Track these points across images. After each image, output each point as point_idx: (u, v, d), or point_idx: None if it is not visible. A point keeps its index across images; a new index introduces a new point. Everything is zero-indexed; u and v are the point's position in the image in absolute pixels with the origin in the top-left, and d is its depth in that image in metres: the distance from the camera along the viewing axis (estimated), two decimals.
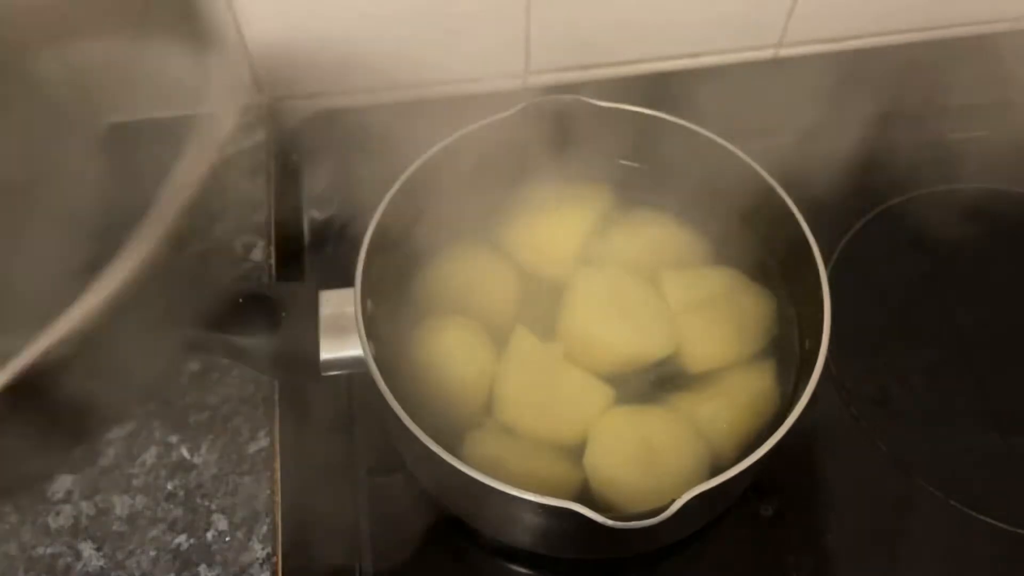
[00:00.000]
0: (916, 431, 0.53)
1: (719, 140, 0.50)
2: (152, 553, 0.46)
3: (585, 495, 0.44)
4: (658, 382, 0.47)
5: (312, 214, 0.63)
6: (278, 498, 0.48)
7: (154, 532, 0.47)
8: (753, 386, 0.47)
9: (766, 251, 0.50)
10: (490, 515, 0.46)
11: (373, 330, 0.45)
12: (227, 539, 0.47)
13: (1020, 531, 0.49)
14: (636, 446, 0.44)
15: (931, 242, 0.60)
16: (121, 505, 0.48)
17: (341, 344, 0.43)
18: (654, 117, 0.51)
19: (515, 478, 0.38)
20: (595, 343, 0.47)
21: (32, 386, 0.27)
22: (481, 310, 0.50)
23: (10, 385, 0.26)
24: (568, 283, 0.50)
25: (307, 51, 0.65)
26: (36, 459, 0.34)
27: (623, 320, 0.48)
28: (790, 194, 0.48)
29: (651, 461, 0.44)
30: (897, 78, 0.69)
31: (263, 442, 0.50)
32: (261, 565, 0.46)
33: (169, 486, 0.48)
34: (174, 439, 0.50)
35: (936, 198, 0.63)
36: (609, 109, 0.51)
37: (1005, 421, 0.54)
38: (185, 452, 0.50)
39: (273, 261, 0.59)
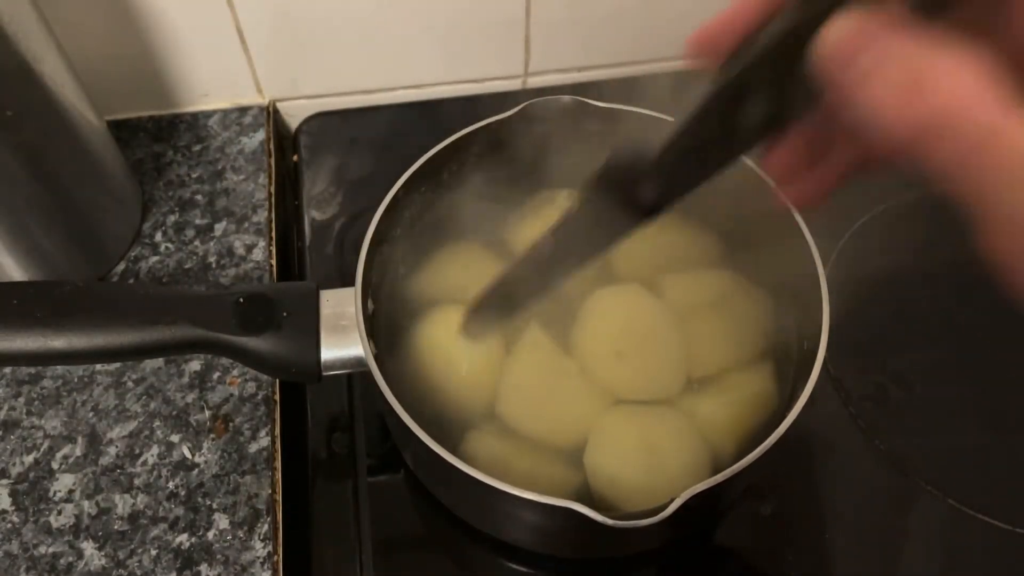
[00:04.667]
0: (914, 430, 0.53)
1: None
2: (153, 552, 0.46)
3: (585, 495, 0.44)
4: (673, 398, 0.47)
5: (312, 214, 0.63)
6: (279, 497, 0.49)
7: (155, 531, 0.47)
8: (752, 386, 0.47)
9: (765, 252, 0.50)
10: (490, 514, 0.46)
11: (373, 330, 0.45)
12: (228, 538, 0.47)
13: (1019, 530, 0.49)
14: (636, 445, 0.44)
15: (930, 242, 0.60)
16: (123, 504, 0.48)
17: (341, 344, 0.43)
18: (654, 118, 0.51)
19: (515, 477, 0.38)
20: (605, 383, 0.47)
21: None
22: None
23: None
24: (570, 292, 0.49)
25: (307, 51, 0.65)
26: None
27: (633, 364, 0.47)
28: None
29: (651, 460, 0.44)
30: None
31: (264, 441, 0.50)
32: (262, 564, 0.46)
33: (170, 485, 0.49)
34: (175, 438, 0.50)
35: (935, 198, 0.63)
36: (609, 109, 0.51)
37: (1004, 421, 0.54)
38: (186, 451, 0.50)
39: (273, 261, 0.59)
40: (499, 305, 0.42)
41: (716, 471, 0.39)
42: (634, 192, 0.30)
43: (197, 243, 0.59)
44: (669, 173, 0.29)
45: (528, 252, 0.38)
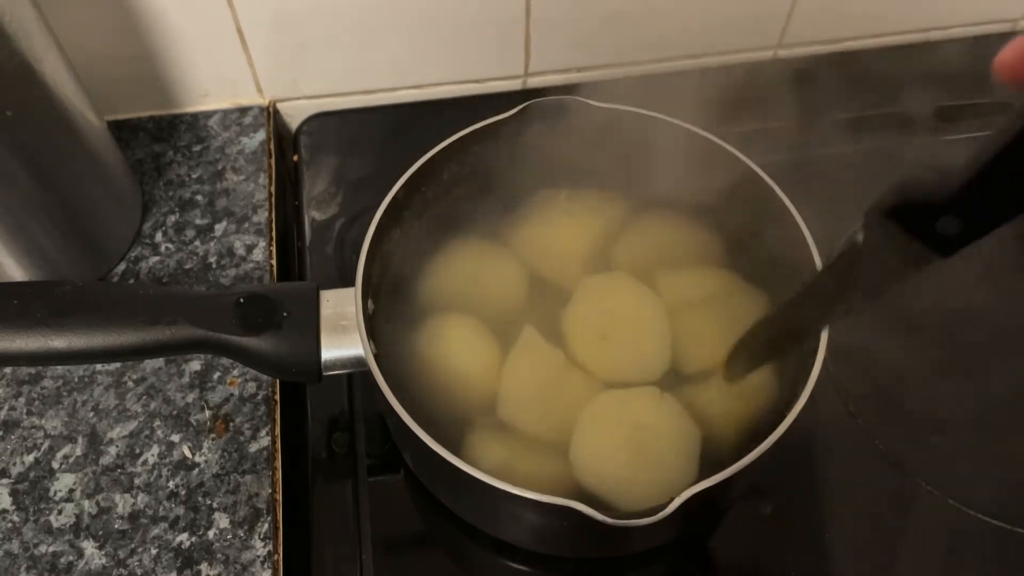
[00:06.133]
0: (914, 430, 0.53)
1: (718, 141, 0.50)
2: (154, 551, 0.46)
3: (585, 494, 0.44)
4: (656, 382, 0.48)
5: (312, 214, 0.63)
6: (279, 497, 0.49)
7: (156, 531, 0.47)
8: (751, 385, 0.47)
9: (765, 251, 0.50)
10: (490, 514, 0.46)
11: (373, 330, 0.45)
12: (228, 537, 0.47)
13: (1018, 530, 0.49)
14: (623, 433, 0.44)
15: None
16: (123, 504, 0.48)
17: (342, 344, 0.43)
18: (653, 118, 0.51)
19: (515, 477, 0.38)
20: (589, 366, 0.47)
21: None
22: (481, 308, 0.50)
23: None
24: (571, 291, 0.50)
25: (307, 51, 0.65)
26: None
27: (617, 347, 0.48)
28: (789, 195, 0.48)
29: (640, 447, 0.44)
30: (896, 79, 0.69)
31: (264, 441, 0.50)
32: (262, 563, 0.46)
33: (171, 485, 0.49)
34: (176, 438, 0.50)
35: None
36: (608, 110, 0.51)
37: (1003, 421, 0.54)
38: (187, 451, 0.50)
39: (273, 261, 0.59)
40: (767, 345, 0.39)
41: (716, 461, 0.39)
42: (932, 226, 0.27)
43: (197, 243, 0.59)
44: (976, 206, 0.26)
45: (802, 289, 0.34)
